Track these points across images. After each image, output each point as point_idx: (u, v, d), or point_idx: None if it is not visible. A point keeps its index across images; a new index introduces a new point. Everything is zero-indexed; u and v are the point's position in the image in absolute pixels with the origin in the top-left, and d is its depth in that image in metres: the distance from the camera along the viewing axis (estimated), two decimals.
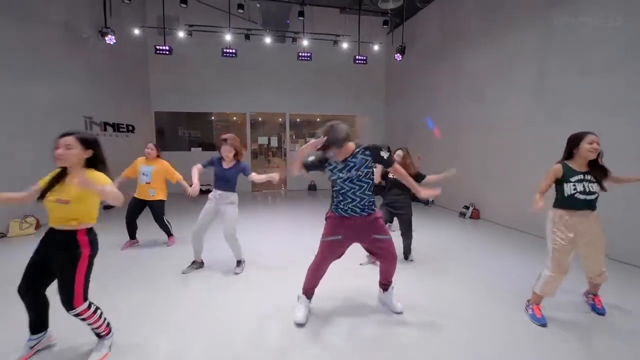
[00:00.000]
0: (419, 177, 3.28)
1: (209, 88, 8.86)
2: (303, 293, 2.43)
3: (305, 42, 7.69)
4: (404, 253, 3.53)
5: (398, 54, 7.74)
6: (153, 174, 3.83)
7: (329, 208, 2.40)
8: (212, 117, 11.66)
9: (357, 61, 8.25)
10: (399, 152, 3.50)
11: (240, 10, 6.92)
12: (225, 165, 3.10)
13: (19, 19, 4.93)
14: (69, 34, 5.92)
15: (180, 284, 2.99)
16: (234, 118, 12.44)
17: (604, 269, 2.35)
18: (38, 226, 5.08)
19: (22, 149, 4.92)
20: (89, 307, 1.84)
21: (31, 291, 1.84)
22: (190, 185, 3.21)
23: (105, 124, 6.95)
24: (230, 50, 7.50)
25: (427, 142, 7.50)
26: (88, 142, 1.88)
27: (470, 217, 5.92)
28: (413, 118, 8.33)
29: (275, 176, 3.03)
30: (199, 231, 3.14)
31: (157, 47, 7.41)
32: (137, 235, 4.07)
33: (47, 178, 1.83)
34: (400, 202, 3.45)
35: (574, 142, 2.26)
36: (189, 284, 2.99)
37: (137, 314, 2.43)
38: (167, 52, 7.41)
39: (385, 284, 2.52)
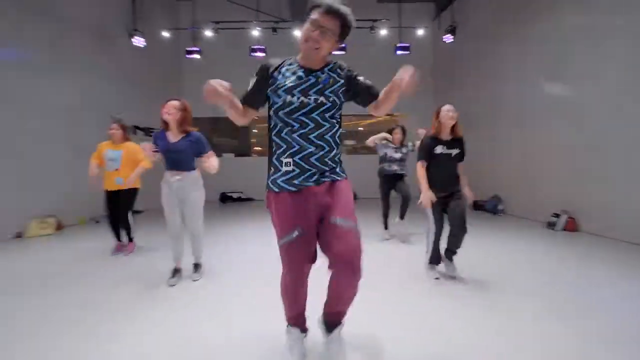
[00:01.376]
0: None
1: (239, 90, 8.52)
2: (289, 324, 1.54)
3: None
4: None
5: (448, 35, 6.62)
6: (123, 158, 3.26)
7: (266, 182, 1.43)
8: (254, 130, 11.19)
9: (398, 50, 7.30)
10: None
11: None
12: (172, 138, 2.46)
13: (51, 21, 4.95)
14: (102, 36, 5.92)
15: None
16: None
17: None
18: (60, 227, 4.88)
19: (57, 148, 5.02)
20: None
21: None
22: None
23: (136, 127, 6.83)
24: (260, 47, 7.06)
25: (495, 137, 6.18)
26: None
27: (563, 229, 4.35)
28: (471, 110, 7.02)
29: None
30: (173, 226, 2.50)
31: (188, 50, 7.30)
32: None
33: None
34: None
35: None
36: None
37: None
38: (198, 54, 7.25)
39: (330, 316, 1.45)
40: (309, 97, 1.31)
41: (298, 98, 1.31)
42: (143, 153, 2.66)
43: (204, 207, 2.60)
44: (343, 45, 6.43)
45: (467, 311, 2.02)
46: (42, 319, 1.96)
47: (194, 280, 2.55)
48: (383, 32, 7.16)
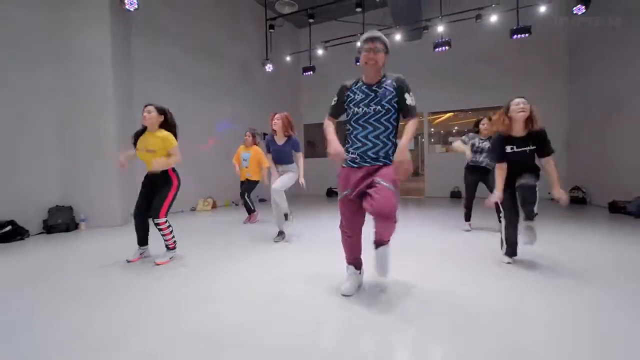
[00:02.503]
0: None
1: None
2: (348, 263, 2.14)
3: (440, 28, 6.85)
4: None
5: (579, 6, 5.54)
6: (251, 158, 4.57)
7: None
8: None
9: (515, 35, 6.52)
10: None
11: (359, 9, 7.06)
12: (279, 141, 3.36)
13: (210, 58, 7.09)
14: (243, 67, 7.90)
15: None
16: None
17: None
18: (214, 205, 6.93)
19: (212, 153, 6.98)
20: (166, 222, 2.75)
21: (139, 216, 2.84)
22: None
23: (265, 134, 8.67)
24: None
25: None
26: (161, 110, 2.77)
27: None
28: (618, 94, 5.64)
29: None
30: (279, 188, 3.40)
31: (304, 68, 8.68)
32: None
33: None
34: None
35: None
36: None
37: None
38: (311, 71, 8.53)
39: (377, 242, 1.91)
40: (370, 107, 1.88)
41: (362, 109, 1.90)
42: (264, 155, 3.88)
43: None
44: (448, 40, 6.36)
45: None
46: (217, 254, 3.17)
47: (276, 242, 3.47)
48: (493, 18, 6.57)
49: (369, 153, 1.89)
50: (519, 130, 2.39)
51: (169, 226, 2.79)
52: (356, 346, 1.46)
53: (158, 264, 2.70)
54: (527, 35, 6.39)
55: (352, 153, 1.94)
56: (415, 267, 2.55)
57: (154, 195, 2.75)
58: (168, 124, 2.80)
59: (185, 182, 6.13)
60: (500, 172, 2.44)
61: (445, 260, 2.73)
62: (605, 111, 5.96)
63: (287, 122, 3.37)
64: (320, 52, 8.16)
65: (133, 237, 2.94)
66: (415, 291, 2.09)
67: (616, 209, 4.79)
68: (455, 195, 8.10)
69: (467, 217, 3.89)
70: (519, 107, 2.35)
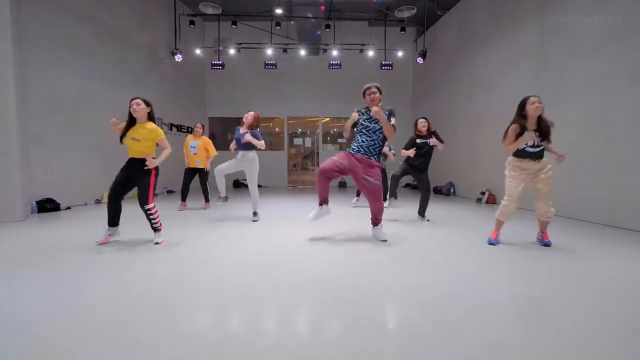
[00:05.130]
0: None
1: (253, 96, 10.32)
2: (319, 203, 3.24)
3: (334, 52, 8.79)
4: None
5: (420, 58, 8.48)
6: (199, 147, 5.21)
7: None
8: (258, 129, 13.01)
9: (383, 67, 9.13)
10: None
11: (278, 27, 8.25)
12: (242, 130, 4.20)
13: (118, 46, 6.68)
14: (153, 55, 7.66)
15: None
16: (277, 129, 13.81)
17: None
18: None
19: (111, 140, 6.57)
20: (154, 206, 3.04)
21: (114, 198, 3.03)
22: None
23: (171, 124, 8.60)
24: (272, 62, 8.86)
25: (452, 139, 8.02)
26: (148, 103, 3.12)
27: (486, 203, 6.32)
28: (438, 117, 8.90)
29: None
30: (221, 170, 4.14)
31: (213, 63, 9.06)
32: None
33: (123, 125, 3.06)
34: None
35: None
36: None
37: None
38: (220, 67, 9.01)
39: (373, 221, 3.23)
40: (371, 124, 3.14)
41: (366, 127, 3.14)
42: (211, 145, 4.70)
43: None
44: (338, 62, 8.44)
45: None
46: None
47: (254, 221, 4.21)
48: (371, 53, 9.00)
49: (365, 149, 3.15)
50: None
51: (157, 210, 3.08)
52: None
53: (158, 243, 3.03)
54: (390, 68, 9.13)
55: (352, 148, 3.19)
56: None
57: (133, 184, 3.01)
58: (152, 116, 3.16)
59: (90, 172, 5.84)
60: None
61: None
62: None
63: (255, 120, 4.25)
64: (232, 51, 8.79)
65: (41, 233, 3.11)
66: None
67: (436, 191, 7.92)
68: (342, 184, 10.42)
69: (358, 194, 5.84)
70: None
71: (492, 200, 6.31)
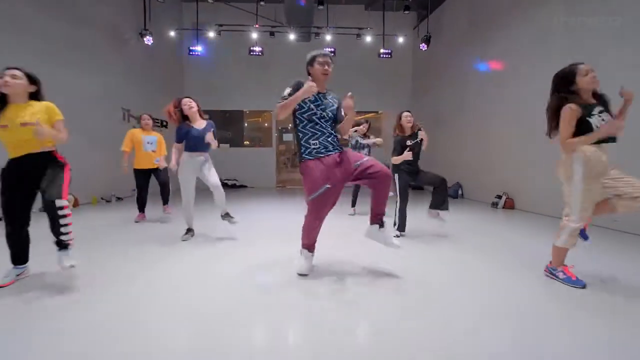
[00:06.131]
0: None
1: (237, 87, 9.29)
2: (304, 247, 2.38)
3: (328, 37, 7.82)
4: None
5: (423, 44, 7.60)
6: (158, 142, 4.23)
7: (298, 159, 2.30)
8: (245, 123, 11.84)
9: (381, 55, 8.22)
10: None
11: (262, 3, 7.23)
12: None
13: (71, 23, 5.57)
14: (114, 35, 6.55)
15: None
16: (265, 124, 12.68)
17: None
18: (76, 204, 5.57)
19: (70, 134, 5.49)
20: (69, 207, 2.08)
21: (18, 224, 2.12)
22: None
23: (163, 121, 7.51)
24: (258, 49, 7.84)
25: (458, 136, 7.24)
26: (33, 79, 2.19)
27: (503, 207, 5.51)
28: (442, 113, 8.05)
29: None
30: (191, 198, 3.26)
31: (190, 49, 7.99)
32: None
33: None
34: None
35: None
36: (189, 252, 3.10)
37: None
38: (199, 54, 7.95)
39: (378, 216, 2.30)
40: (325, 112, 2.27)
41: (320, 116, 2.24)
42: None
43: (204, 191, 3.45)
44: (333, 49, 7.41)
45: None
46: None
47: (234, 223, 3.39)
48: (368, 38, 8.06)
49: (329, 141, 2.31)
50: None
51: (71, 213, 2.09)
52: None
53: (71, 266, 2.01)
54: (389, 56, 8.23)
55: (312, 144, 2.28)
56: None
57: (36, 187, 2.10)
58: (38, 99, 2.21)
59: None
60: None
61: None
62: (434, 124, 8.41)
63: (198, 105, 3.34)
64: (211, 34, 7.74)
65: None
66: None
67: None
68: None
69: (353, 204, 4.89)
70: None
71: (510, 205, 5.47)
